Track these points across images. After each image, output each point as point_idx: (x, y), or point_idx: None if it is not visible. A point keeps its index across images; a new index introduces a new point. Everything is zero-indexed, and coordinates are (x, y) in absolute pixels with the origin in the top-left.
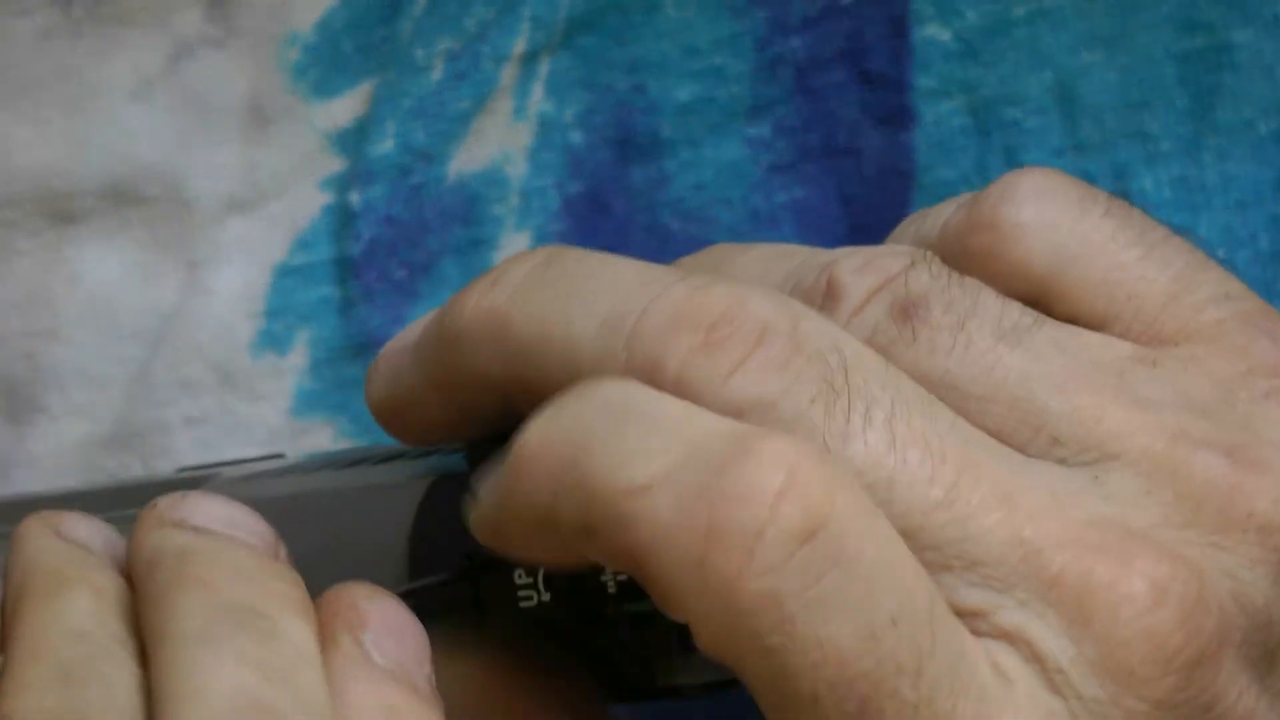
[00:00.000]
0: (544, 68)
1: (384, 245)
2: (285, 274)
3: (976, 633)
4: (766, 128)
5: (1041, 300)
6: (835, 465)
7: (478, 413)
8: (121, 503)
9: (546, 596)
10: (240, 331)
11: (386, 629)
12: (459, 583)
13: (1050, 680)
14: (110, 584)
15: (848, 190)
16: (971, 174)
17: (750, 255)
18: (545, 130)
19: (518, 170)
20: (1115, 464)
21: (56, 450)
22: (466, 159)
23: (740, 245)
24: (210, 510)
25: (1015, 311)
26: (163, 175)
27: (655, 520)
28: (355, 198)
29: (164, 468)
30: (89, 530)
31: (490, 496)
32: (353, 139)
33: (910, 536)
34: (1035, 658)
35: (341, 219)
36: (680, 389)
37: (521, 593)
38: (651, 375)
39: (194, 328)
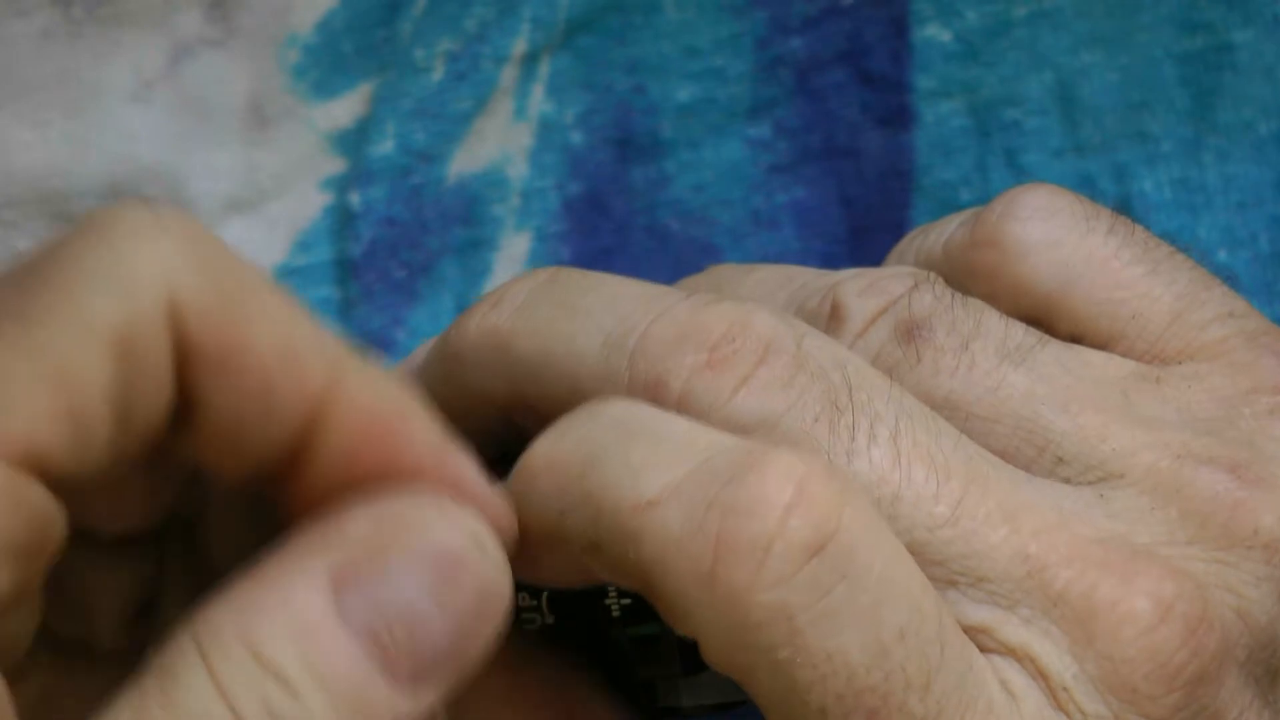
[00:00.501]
0: (544, 68)
1: (384, 246)
2: (285, 275)
3: (983, 649)
4: (767, 128)
5: (1045, 318)
6: (843, 479)
7: (484, 433)
8: None
9: (550, 619)
10: None
11: None
12: None
13: (1055, 697)
14: None
15: (848, 191)
16: (971, 175)
17: (754, 277)
18: (545, 131)
19: (518, 171)
20: (1120, 482)
21: None
22: (466, 160)
23: (743, 266)
24: None
25: (1019, 332)
26: (163, 176)
27: (664, 534)
28: (355, 198)
29: None
30: None
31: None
32: (353, 140)
33: (916, 552)
34: (1040, 674)
35: (341, 220)
36: (685, 406)
37: (525, 615)
38: (655, 393)
39: None
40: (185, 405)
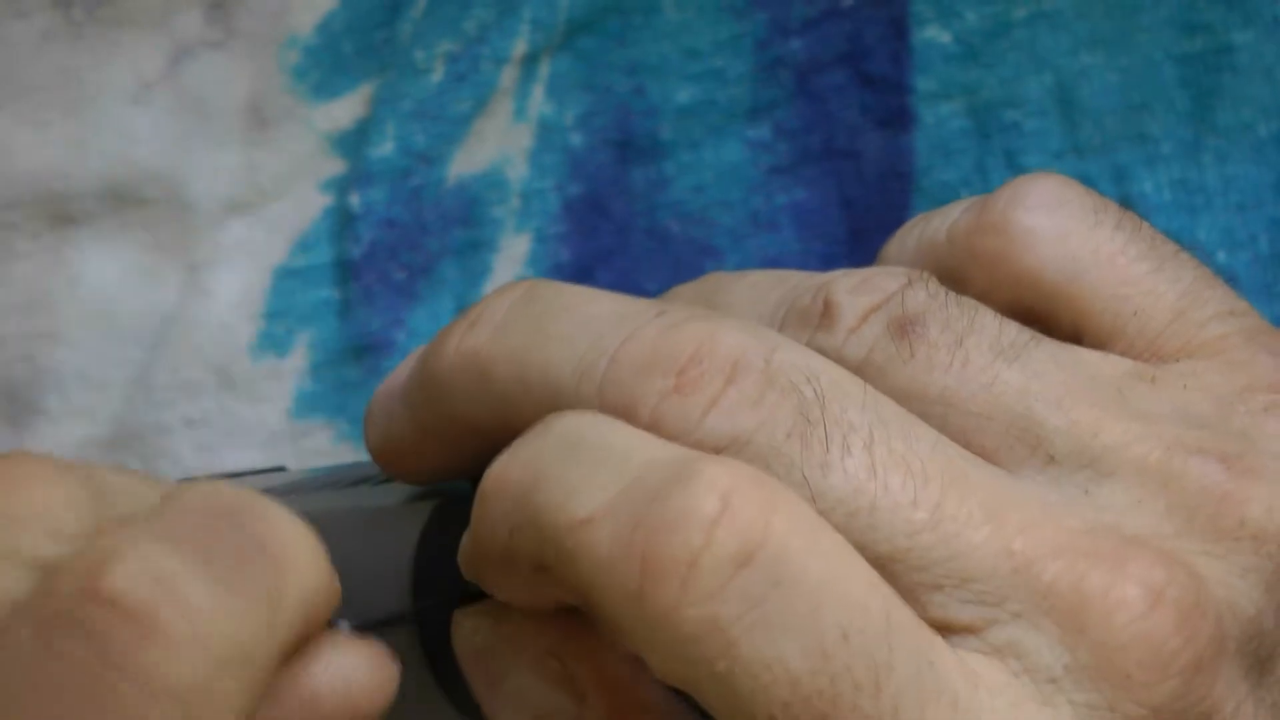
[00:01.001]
0: (544, 70)
1: (384, 247)
2: (285, 276)
3: (970, 649)
4: (766, 130)
5: (1046, 310)
6: (772, 485)
7: (470, 454)
8: None
9: None
10: (240, 333)
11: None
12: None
13: (1040, 691)
14: None
15: (848, 192)
16: (971, 176)
17: (745, 282)
18: (545, 132)
19: (518, 172)
20: (1108, 478)
21: (56, 452)
22: (466, 161)
23: (736, 273)
24: None
25: (1013, 330)
26: (163, 177)
27: (594, 555)
28: (355, 200)
29: (164, 469)
30: None
31: (466, 534)
32: (353, 141)
33: (898, 560)
34: (1026, 670)
35: (341, 221)
36: (656, 430)
37: None
38: (627, 418)
39: (194, 330)
40: None
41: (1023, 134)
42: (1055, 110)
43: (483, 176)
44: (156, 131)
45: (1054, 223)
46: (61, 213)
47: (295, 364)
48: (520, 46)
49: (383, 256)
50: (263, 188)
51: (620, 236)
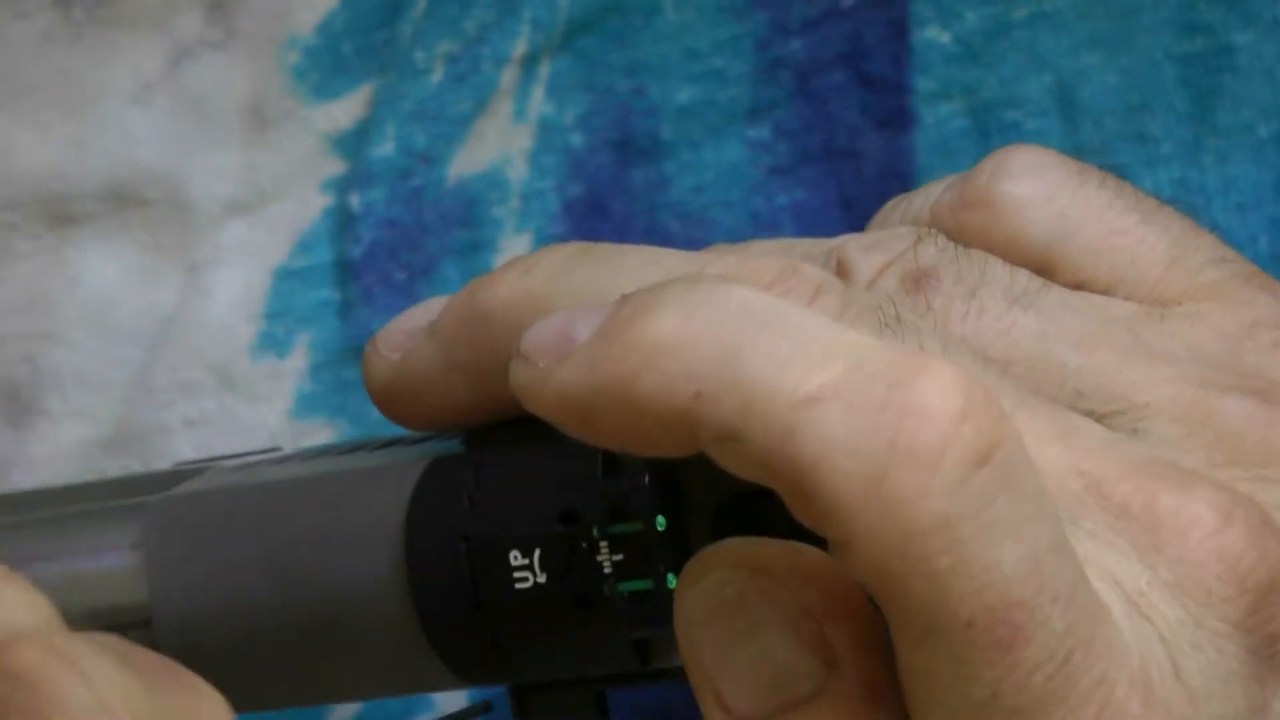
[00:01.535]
0: (544, 70)
1: (384, 248)
2: (285, 276)
3: None
4: (766, 130)
5: (1044, 271)
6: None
7: (498, 397)
8: (118, 494)
9: (542, 578)
10: (240, 334)
11: None
12: None
13: (1135, 604)
14: None
15: (848, 193)
16: None
17: (754, 249)
18: (545, 132)
19: (518, 173)
20: (1148, 411)
21: (56, 453)
22: (466, 161)
23: (741, 244)
24: None
25: (1024, 277)
26: (163, 178)
27: (827, 434)
28: (355, 200)
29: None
30: None
31: (583, 375)
32: (353, 141)
33: None
34: (1116, 584)
35: (341, 221)
36: None
37: (517, 574)
38: None
39: (194, 330)
40: None
41: (1023, 134)
42: (1055, 110)
43: (483, 177)
44: (156, 131)
45: (1039, 186)
46: (61, 213)
47: (295, 365)
48: (520, 47)
49: (383, 257)
50: (263, 188)
51: (620, 237)
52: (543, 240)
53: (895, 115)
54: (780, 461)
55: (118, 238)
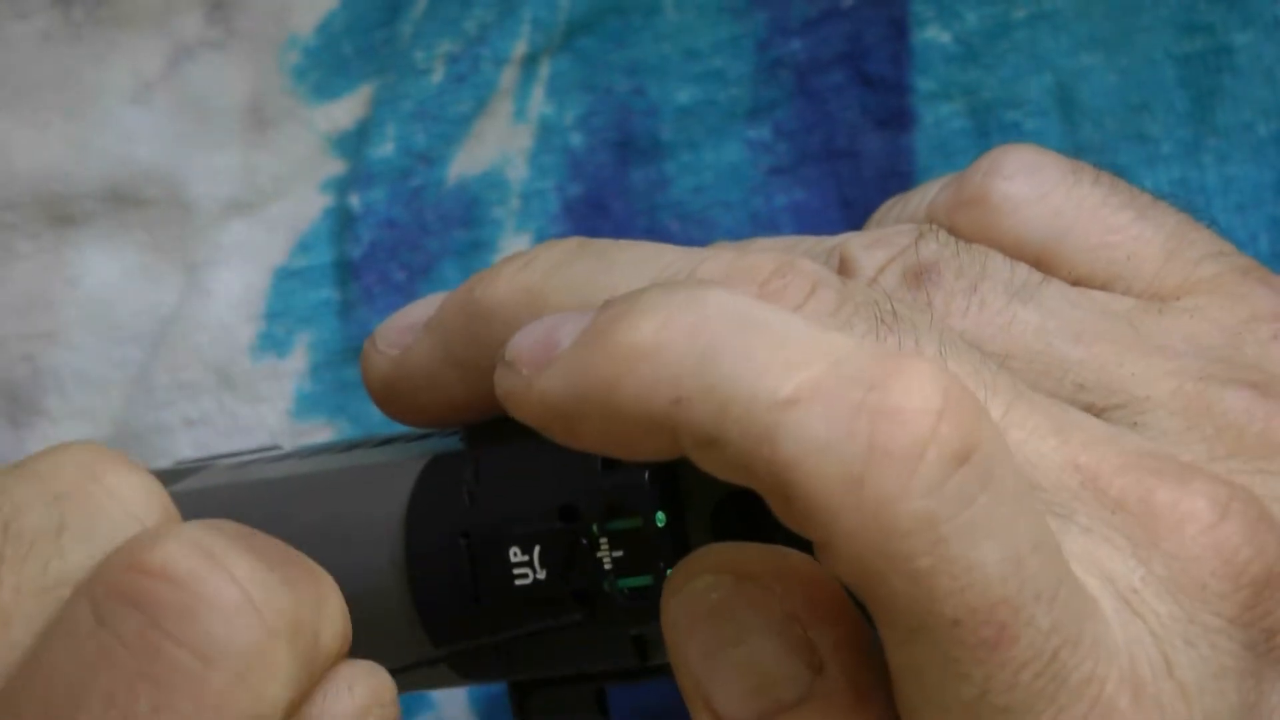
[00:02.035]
0: (544, 70)
1: (384, 248)
2: (285, 277)
3: None
4: (766, 130)
5: (1040, 269)
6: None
7: (484, 394)
8: None
9: (542, 574)
10: (240, 334)
11: None
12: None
13: (1127, 600)
14: None
15: (848, 193)
16: None
17: (755, 247)
18: (545, 133)
19: (518, 173)
20: (1148, 405)
21: None
22: (466, 161)
23: (743, 241)
24: None
25: (1024, 271)
26: (163, 178)
27: (806, 435)
28: (355, 200)
29: None
30: None
31: (565, 382)
32: (353, 141)
33: None
34: (1108, 579)
35: (341, 222)
36: None
37: (517, 571)
38: None
39: (194, 330)
40: None
41: (1023, 134)
42: (1055, 110)
43: (483, 177)
44: (156, 131)
45: (1033, 185)
46: (61, 213)
47: (295, 364)
48: (520, 47)
49: (383, 257)
50: (263, 188)
51: (620, 236)
52: (542, 240)
53: (895, 115)
54: (760, 464)
55: (118, 238)
